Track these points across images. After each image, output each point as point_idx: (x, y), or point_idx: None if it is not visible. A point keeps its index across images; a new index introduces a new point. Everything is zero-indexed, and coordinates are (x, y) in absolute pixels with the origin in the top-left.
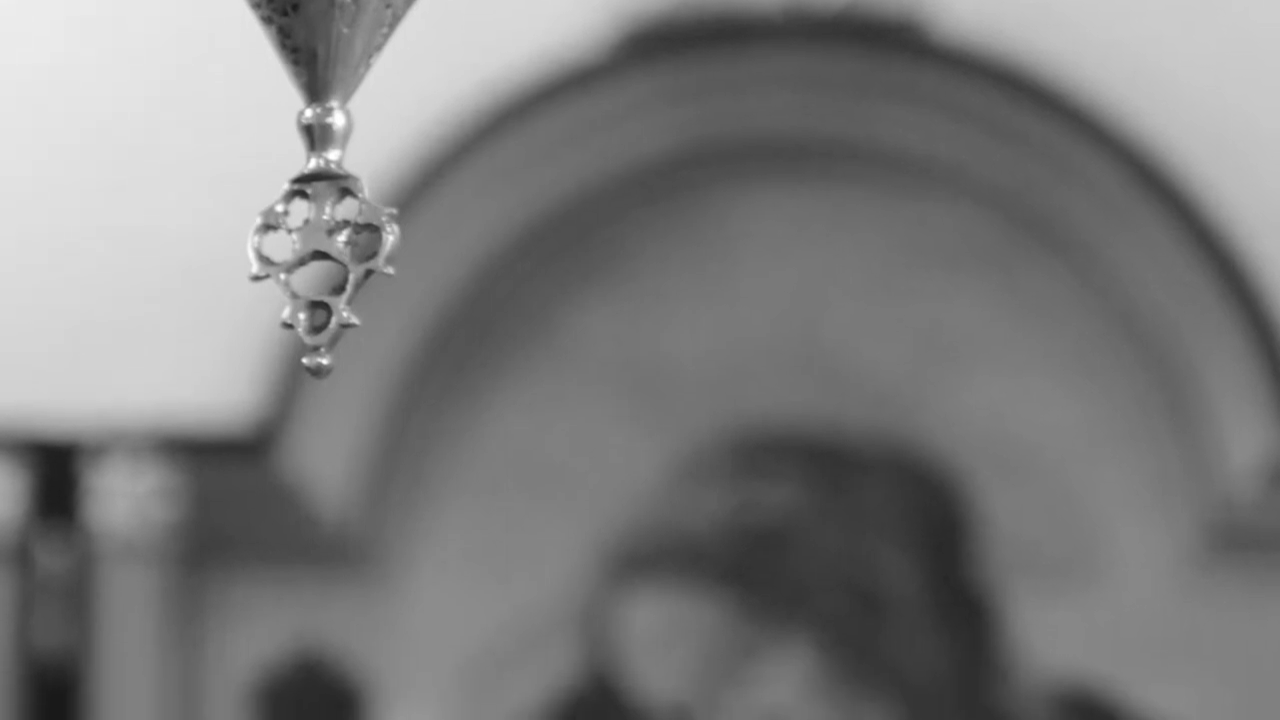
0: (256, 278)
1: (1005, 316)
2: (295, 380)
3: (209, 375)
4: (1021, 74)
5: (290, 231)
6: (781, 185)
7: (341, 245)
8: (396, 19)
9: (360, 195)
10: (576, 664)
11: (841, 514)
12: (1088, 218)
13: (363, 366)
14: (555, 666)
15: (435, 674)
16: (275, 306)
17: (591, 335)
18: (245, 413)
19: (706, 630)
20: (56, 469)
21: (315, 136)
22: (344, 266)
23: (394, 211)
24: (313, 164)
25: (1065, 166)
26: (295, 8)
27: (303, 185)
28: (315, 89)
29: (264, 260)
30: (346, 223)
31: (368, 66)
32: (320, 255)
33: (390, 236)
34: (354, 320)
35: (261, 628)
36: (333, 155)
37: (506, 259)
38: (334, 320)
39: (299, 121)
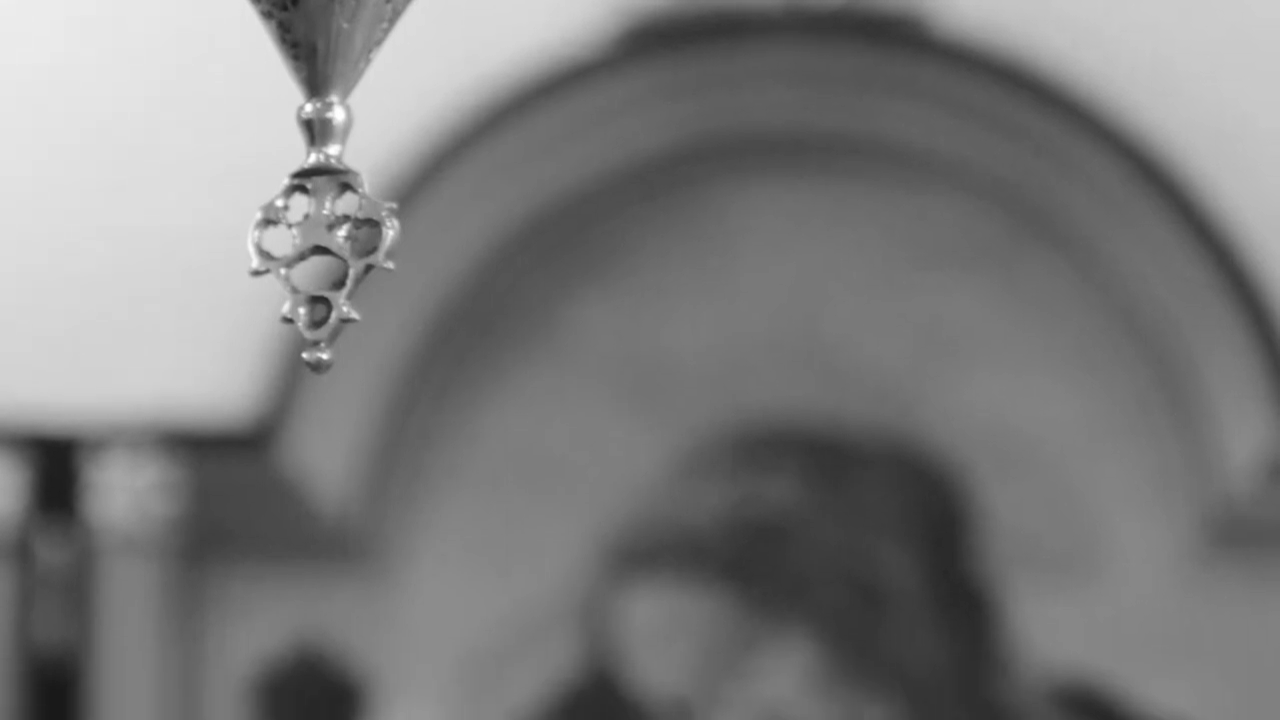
0: (256, 272)
1: (1005, 311)
2: (295, 375)
3: (209, 370)
4: (1022, 69)
5: (290, 226)
6: (781, 180)
7: (341, 240)
8: (396, 14)
9: (360, 190)
10: (577, 658)
11: (841, 508)
12: (1088, 213)
13: (363, 361)
14: (555, 660)
15: (435, 668)
16: (275, 301)
17: (591, 330)
18: (245, 407)
19: (706, 624)
20: (57, 464)
21: (315, 131)
22: (344, 261)
23: (394, 206)
24: (313, 159)
25: (1065, 161)
26: (295, 3)
27: (303, 180)
28: (315, 84)
29: (264, 255)
30: (346, 218)
31: (368, 61)
32: (320, 250)
33: (390, 231)
34: (354, 315)
35: (261, 622)
36: (333, 150)
37: (506, 254)
38: (334, 315)
39: (299, 116)
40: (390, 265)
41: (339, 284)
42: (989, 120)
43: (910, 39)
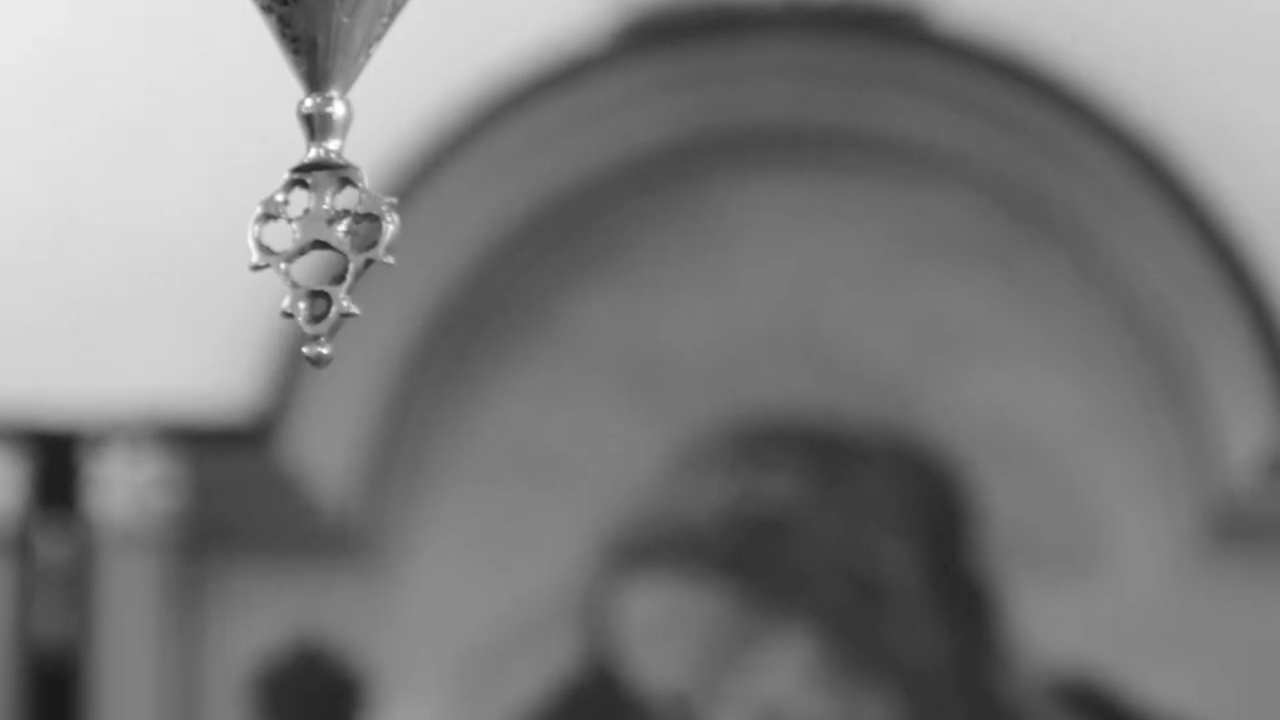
0: (256, 267)
1: (1005, 306)
2: (295, 370)
3: (209, 365)
4: (1021, 63)
5: (290, 221)
6: (781, 175)
7: (341, 235)
8: (396, 8)
9: (360, 185)
10: (576, 653)
11: (841, 503)
12: (1088, 208)
13: (363, 356)
14: (555, 655)
15: (435, 663)
16: (275, 296)
17: (591, 325)
18: (245, 402)
19: (706, 619)
20: (56, 458)
21: (315, 126)
22: (344, 256)
23: (394, 201)
24: (313, 153)
25: (1065, 156)
26: None
27: (303, 175)
28: (315, 78)
29: (264, 250)
30: (346, 212)
31: (368, 56)
32: (320, 245)
33: (390, 226)
34: (354, 310)
35: (261, 617)
36: (333, 144)
37: (506, 248)
38: (334, 310)
39: (299, 111)
40: (390, 260)
41: (339, 279)
42: (989, 115)
43: (909, 33)
